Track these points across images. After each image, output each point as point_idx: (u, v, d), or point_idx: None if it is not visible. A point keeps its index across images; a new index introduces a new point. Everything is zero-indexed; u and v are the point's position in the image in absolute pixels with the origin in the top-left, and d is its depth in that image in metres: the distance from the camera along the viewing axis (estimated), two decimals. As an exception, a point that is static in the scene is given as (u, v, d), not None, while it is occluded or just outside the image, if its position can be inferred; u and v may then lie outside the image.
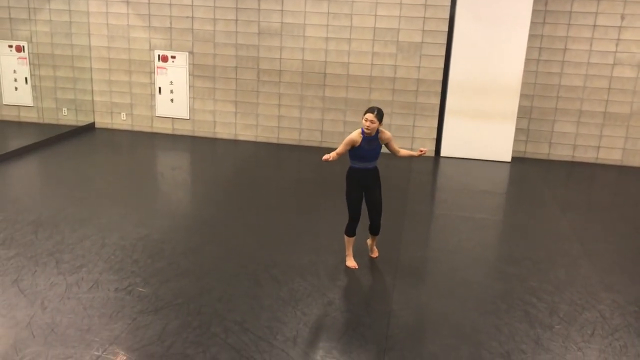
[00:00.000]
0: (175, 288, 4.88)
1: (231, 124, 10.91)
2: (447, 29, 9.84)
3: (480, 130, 10.00)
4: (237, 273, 5.25)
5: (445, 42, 9.90)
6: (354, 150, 5.21)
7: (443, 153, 10.28)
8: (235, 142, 10.74)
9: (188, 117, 11.01)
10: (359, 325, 4.45)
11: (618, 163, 10.24)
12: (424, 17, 9.83)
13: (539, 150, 10.37)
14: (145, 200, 7.24)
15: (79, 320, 4.32)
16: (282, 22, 10.26)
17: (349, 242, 5.53)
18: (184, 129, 11.09)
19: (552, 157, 10.36)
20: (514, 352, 4.19)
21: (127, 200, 7.20)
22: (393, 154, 5.48)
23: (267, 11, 10.26)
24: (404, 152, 5.50)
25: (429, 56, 9.99)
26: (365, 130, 5.09)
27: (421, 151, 5.31)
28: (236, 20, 10.40)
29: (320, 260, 5.58)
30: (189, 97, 10.90)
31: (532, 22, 9.69)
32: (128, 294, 4.75)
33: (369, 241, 5.77)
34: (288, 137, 10.80)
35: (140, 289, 4.83)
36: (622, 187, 9.26)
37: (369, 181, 5.34)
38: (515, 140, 10.22)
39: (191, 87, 10.85)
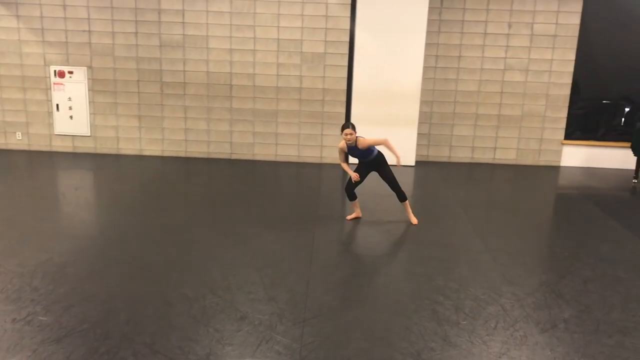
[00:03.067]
0: (80, 314, 4.67)
1: (135, 139, 10.61)
2: (348, 39, 10.09)
3: (385, 136, 10.28)
4: (145, 293, 5.10)
5: (347, 52, 10.14)
6: (349, 153, 6.83)
7: (351, 160, 10.48)
8: (140, 158, 10.45)
9: (89, 134, 10.60)
10: (273, 337, 4.45)
11: (513, 162, 10.88)
12: (326, 28, 10.02)
13: (441, 154, 10.83)
14: (46, 223, 6.88)
15: (-27, 356, 4.04)
16: (184, 34, 10.12)
17: (352, 205, 7.26)
18: (86, 147, 10.66)
19: (453, 160, 10.85)
20: (423, 351, 4.33)
21: (25, 223, 6.82)
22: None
23: (168, 23, 10.09)
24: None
25: (333, 66, 10.19)
26: (348, 142, 6.65)
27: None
28: (136, 33, 10.14)
29: (232, 274, 5.54)
30: (90, 113, 10.50)
31: (428, 31, 10.14)
32: (27, 324, 4.49)
33: (407, 213, 7.32)
34: (196, 150, 10.65)
35: (41, 318, 4.59)
36: (517, 185, 9.84)
37: (373, 166, 6.94)
38: (418, 145, 10.62)
39: (91, 102, 10.46)
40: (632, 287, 5.63)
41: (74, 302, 4.87)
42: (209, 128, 10.55)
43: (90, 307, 4.79)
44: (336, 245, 6.61)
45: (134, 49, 10.23)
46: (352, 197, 7.13)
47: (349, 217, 7.33)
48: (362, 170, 6.96)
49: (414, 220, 7.27)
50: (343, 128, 6.68)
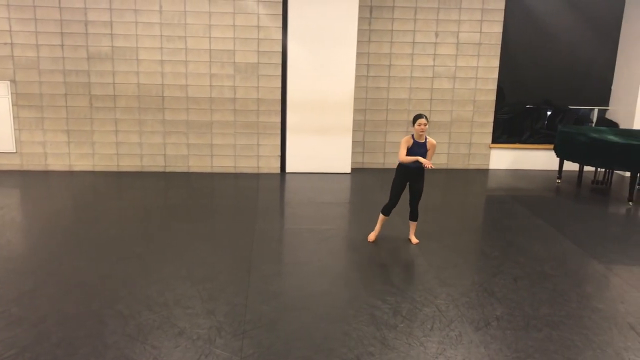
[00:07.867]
0: (7, 339, 4.47)
1: (64, 154, 10.26)
2: (280, 50, 10.13)
3: (321, 145, 10.39)
4: (77, 313, 4.93)
5: (280, 62, 10.17)
6: (407, 151, 6.42)
7: (288, 169, 10.52)
8: (70, 174, 10.11)
9: (14, 151, 10.16)
10: (212, 351, 4.40)
11: (444, 166, 11.20)
12: (258, 39, 10.03)
13: (375, 160, 11.02)
14: (-33, 246, 6.55)
15: None
16: (112, 46, 9.89)
17: (381, 219, 6.89)
18: (11, 164, 10.22)
19: (387, 166, 11.04)
20: (363, 356, 4.40)
21: (-56, 247, 6.47)
22: None
23: (96, 35, 9.83)
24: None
25: (267, 76, 10.20)
26: (419, 133, 6.33)
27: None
28: (62, 45, 9.83)
29: (169, 289, 5.44)
30: (14, 129, 10.08)
31: (358, 41, 10.32)
32: (-50, 352, 4.27)
33: (410, 232, 7.01)
34: (129, 163, 10.40)
35: (-35, 346, 4.36)
36: (448, 188, 10.11)
37: (412, 176, 6.57)
38: (353, 152, 10.77)
39: (15, 118, 10.04)
40: (559, 282, 5.91)
41: (1, 326, 4.66)
42: (141, 141, 10.32)
43: (19, 331, 4.59)
44: (274, 255, 6.61)
45: (60, 62, 9.90)
46: (389, 211, 6.78)
47: (372, 237, 6.99)
48: (401, 180, 6.62)
49: (415, 240, 6.97)
50: (416, 118, 6.27)
